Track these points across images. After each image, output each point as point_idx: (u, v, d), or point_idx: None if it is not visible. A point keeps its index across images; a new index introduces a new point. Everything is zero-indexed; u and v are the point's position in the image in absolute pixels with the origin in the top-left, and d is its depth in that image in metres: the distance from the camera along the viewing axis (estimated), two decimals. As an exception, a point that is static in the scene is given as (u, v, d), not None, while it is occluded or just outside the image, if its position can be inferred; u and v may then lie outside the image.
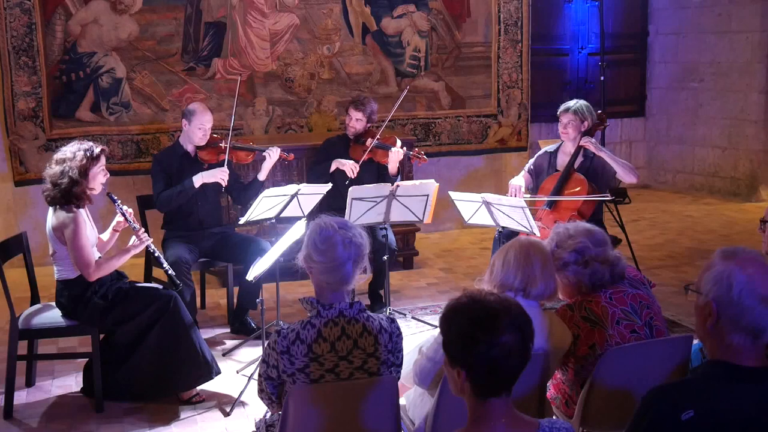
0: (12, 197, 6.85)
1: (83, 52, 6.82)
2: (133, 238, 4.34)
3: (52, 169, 4.15)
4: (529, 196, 5.29)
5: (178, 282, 4.49)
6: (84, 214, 4.21)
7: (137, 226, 4.34)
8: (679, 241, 7.41)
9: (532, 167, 5.58)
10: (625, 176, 5.33)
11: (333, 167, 5.71)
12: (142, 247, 4.32)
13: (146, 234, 4.36)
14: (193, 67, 7.07)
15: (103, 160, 4.25)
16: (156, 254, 4.43)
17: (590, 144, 5.24)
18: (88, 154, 4.16)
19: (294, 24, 7.27)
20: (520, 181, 5.40)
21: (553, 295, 3.07)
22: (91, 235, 4.26)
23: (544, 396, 3.03)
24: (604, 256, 3.17)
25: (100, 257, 4.31)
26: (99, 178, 4.23)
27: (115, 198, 4.39)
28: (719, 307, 2.01)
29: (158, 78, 7.00)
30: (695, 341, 3.24)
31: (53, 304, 4.41)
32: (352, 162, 5.67)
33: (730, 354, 2.03)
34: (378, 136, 5.73)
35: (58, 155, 4.20)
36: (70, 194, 4.10)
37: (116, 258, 4.25)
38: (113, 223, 4.47)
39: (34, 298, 4.55)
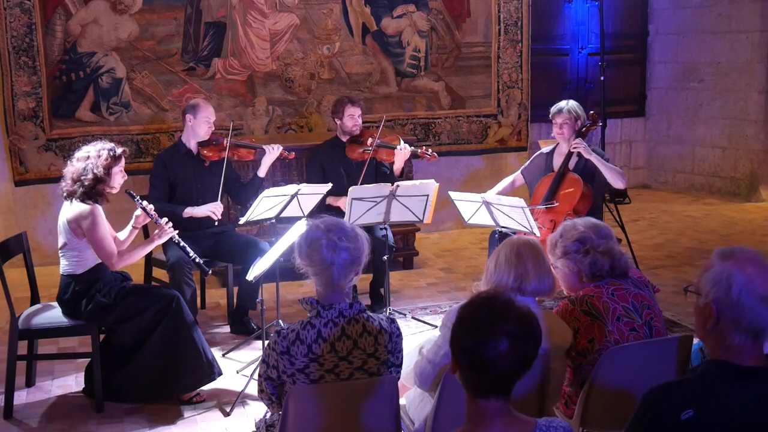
0: (12, 197, 6.85)
1: (83, 52, 6.82)
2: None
3: (74, 166, 4.21)
4: None
5: (207, 269, 4.63)
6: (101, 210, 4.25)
7: (159, 219, 4.40)
8: (679, 241, 7.41)
9: (525, 168, 5.64)
10: (613, 181, 5.28)
11: (328, 202, 5.63)
12: (166, 237, 4.39)
13: (170, 225, 4.40)
14: (193, 67, 7.08)
15: (123, 161, 4.33)
16: (181, 244, 4.47)
17: (581, 147, 5.24)
18: (112, 154, 4.25)
19: (294, 24, 7.27)
20: (497, 188, 5.50)
21: (550, 292, 3.08)
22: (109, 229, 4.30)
23: (544, 395, 3.03)
24: (606, 248, 3.20)
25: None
26: (118, 178, 4.30)
27: (134, 194, 4.45)
28: (719, 308, 2.00)
29: (158, 78, 7.00)
30: (695, 341, 3.25)
31: (53, 304, 4.41)
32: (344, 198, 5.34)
33: (731, 354, 2.02)
34: (377, 135, 5.71)
35: (80, 153, 4.25)
36: (93, 190, 4.17)
37: (140, 248, 4.35)
38: (132, 221, 4.49)
39: (34, 298, 4.54)
